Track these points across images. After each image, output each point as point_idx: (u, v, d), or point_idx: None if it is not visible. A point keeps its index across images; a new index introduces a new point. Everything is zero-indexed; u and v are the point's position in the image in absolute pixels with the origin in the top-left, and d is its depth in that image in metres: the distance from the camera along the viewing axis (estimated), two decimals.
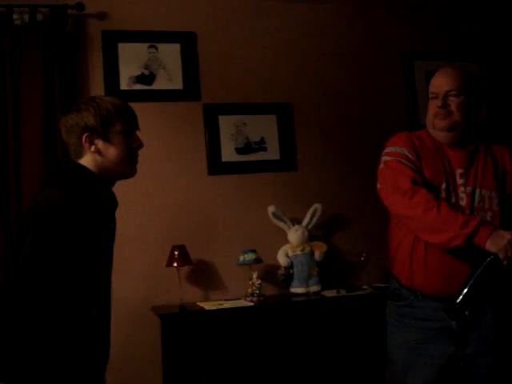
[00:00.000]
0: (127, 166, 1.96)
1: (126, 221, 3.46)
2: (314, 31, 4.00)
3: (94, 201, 1.86)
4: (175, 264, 3.38)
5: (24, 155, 3.29)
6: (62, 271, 1.72)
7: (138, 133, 2.00)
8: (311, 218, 3.67)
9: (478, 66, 4.25)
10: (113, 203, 1.99)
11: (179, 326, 3.13)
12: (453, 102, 2.23)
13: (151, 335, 3.35)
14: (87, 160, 1.91)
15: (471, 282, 2.07)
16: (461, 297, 2.06)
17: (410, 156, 2.26)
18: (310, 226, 3.68)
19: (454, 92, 2.23)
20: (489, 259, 2.06)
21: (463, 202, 2.22)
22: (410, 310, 2.29)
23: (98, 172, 1.91)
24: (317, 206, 3.68)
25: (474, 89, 2.28)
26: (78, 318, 1.77)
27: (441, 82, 2.28)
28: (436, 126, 2.29)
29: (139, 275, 3.47)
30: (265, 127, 3.82)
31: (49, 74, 3.37)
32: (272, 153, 3.82)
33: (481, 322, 2.21)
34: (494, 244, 2.03)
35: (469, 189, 2.23)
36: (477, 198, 2.23)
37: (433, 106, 2.30)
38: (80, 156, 1.93)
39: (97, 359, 1.88)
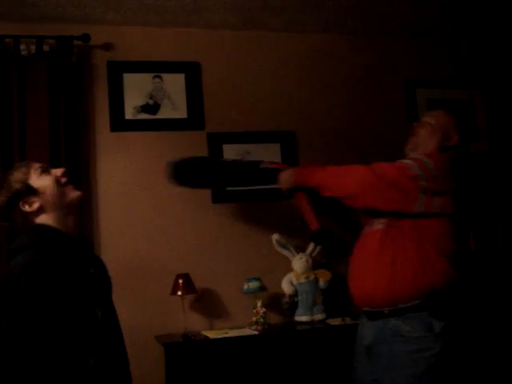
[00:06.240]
0: (66, 193, 1.98)
1: (129, 249, 3.49)
2: (316, 61, 4.05)
3: (59, 254, 1.84)
4: (179, 292, 3.37)
5: None
6: (44, 335, 1.70)
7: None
8: (315, 246, 3.67)
9: (479, 92, 4.28)
10: (85, 248, 1.99)
11: (183, 355, 3.10)
12: None
13: (155, 364, 3.32)
14: (40, 220, 1.94)
15: None
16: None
17: None
18: (314, 254, 3.68)
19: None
20: None
21: None
22: None
23: (55, 220, 1.93)
24: None
25: None
26: (73, 370, 1.74)
27: None
28: None
29: (143, 304, 3.47)
30: (269, 156, 3.82)
31: (55, 104, 3.40)
32: None
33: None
34: None
35: None
36: None
37: None
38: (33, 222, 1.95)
39: None
